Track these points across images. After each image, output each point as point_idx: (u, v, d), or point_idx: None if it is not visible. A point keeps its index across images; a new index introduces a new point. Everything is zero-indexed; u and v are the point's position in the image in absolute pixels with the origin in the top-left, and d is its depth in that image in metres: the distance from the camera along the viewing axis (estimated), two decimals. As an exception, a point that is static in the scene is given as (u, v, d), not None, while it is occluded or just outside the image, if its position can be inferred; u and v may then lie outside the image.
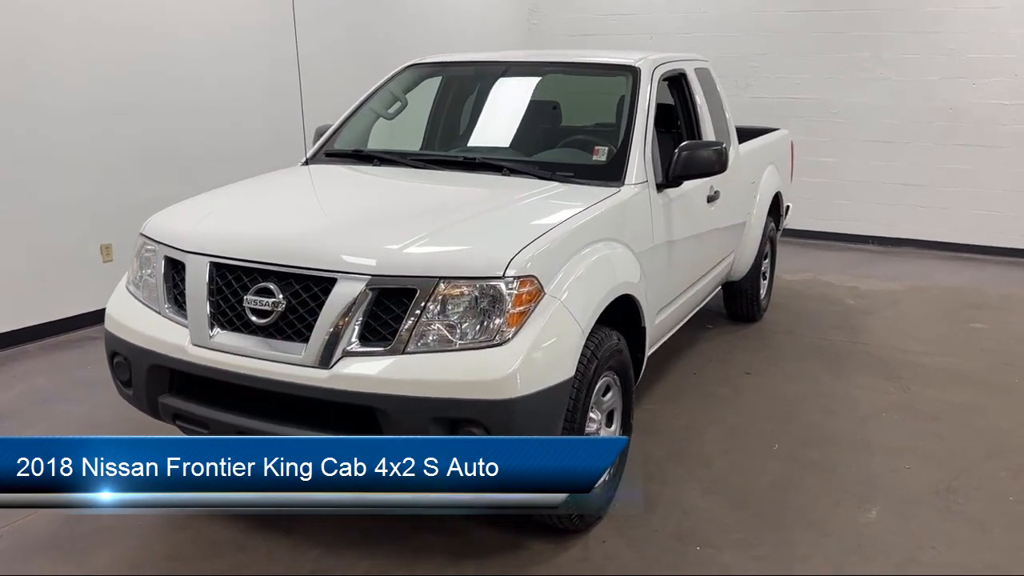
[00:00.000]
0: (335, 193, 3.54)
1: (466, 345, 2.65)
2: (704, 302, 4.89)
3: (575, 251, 2.95)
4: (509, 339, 2.64)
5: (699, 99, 4.49)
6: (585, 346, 2.95)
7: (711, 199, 4.40)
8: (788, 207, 6.77)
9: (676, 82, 4.45)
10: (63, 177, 5.24)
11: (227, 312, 2.87)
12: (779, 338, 5.62)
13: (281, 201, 3.41)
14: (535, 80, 4.34)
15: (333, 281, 2.72)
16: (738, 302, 5.83)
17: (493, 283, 2.67)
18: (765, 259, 6.05)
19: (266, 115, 6.36)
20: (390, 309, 2.69)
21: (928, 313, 6.24)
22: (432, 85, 4.52)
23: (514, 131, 4.19)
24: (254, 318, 2.80)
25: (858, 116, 8.51)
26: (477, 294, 2.67)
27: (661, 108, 4.44)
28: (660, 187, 3.73)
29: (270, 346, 2.77)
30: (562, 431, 2.85)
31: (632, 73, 3.99)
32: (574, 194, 3.35)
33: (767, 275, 6.14)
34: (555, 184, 3.49)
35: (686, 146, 3.69)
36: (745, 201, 5.21)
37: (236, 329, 2.85)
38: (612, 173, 3.55)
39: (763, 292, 6.02)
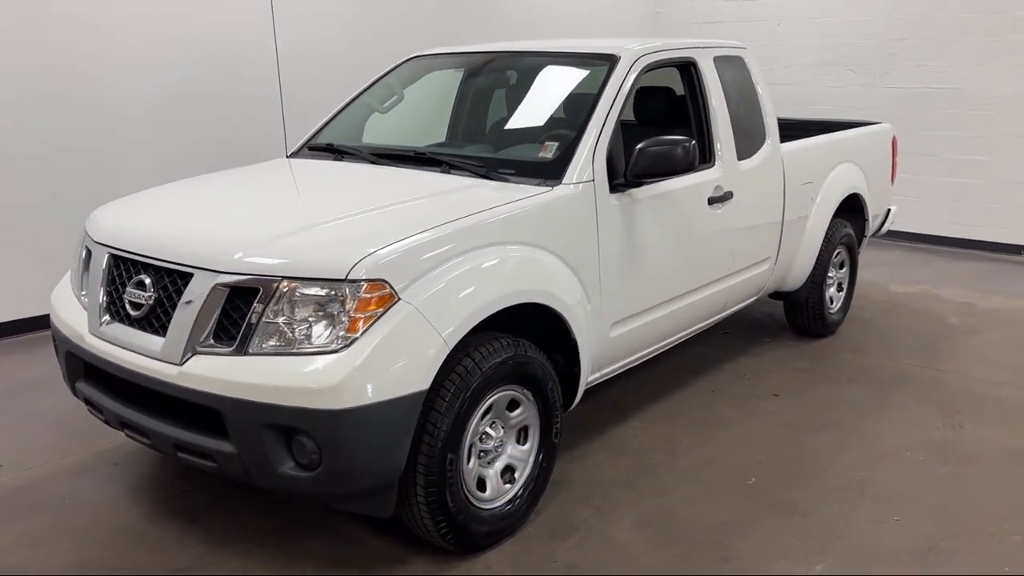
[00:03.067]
0: (261, 189, 3.51)
1: (304, 350, 2.54)
2: (723, 314, 4.45)
3: (453, 255, 2.75)
4: (348, 346, 2.50)
5: (712, 91, 4.07)
6: (461, 357, 2.75)
7: (717, 200, 3.99)
8: (889, 211, 6.07)
9: (685, 72, 4.07)
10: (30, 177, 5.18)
11: (116, 303, 2.93)
12: (840, 358, 5.03)
13: (209, 197, 3.42)
14: (515, 71, 4.11)
15: (191, 277, 2.69)
16: (799, 316, 5.29)
17: (335, 285, 2.54)
18: (841, 269, 5.45)
19: (244, 109, 5.95)
20: (240, 308, 2.63)
21: (1044, 339, 5.37)
22: (437, 78, 4.40)
23: (483, 124, 3.99)
24: (131, 310, 2.84)
25: (1009, 108, 7.46)
26: (319, 297, 2.55)
27: (674, 101, 4.11)
28: (619, 187, 3.41)
29: (139, 339, 2.79)
30: (432, 447, 2.67)
31: (609, 62, 3.68)
32: (492, 193, 3.13)
33: (843, 286, 5.51)
34: (482, 182, 3.29)
35: (648, 143, 3.36)
36: (793, 204, 4.68)
37: (120, 320, 2.90)
38: (553, 171, 3.29)
39: (834, 305, 5.42)
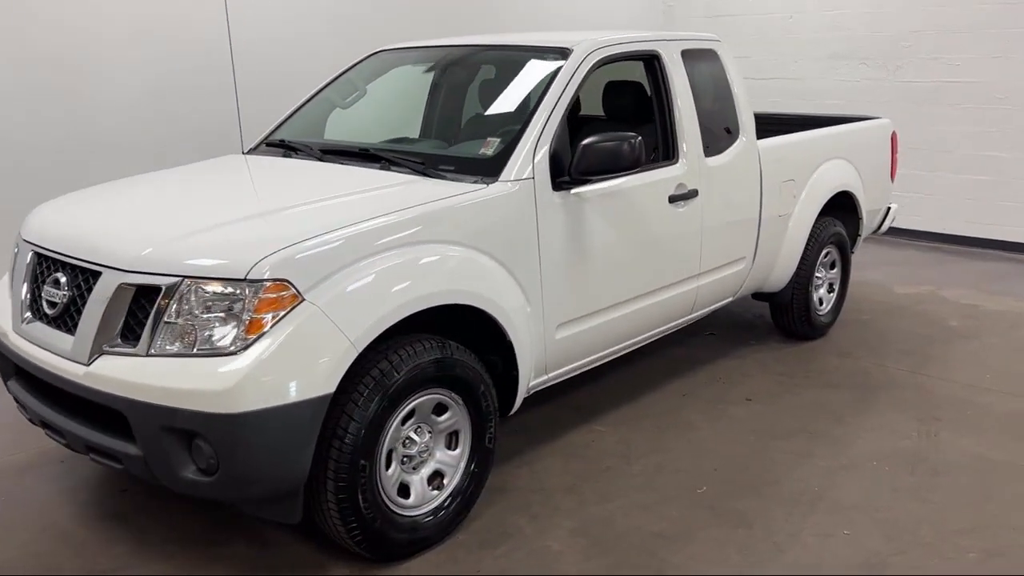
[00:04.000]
0: (194, 187, 3.44)
1: (203, 351, 2.48)
2: (694, 315, 4.32)
3: (367, 254, 2.67)
4: (246, 348, 2.44)
5: (676, 85, 3.94)
6: (378, 359, 2.68)
7: (679, 198, 3.86)
8: (889, 209, 5.86)
9: (649, 66, 3.95)
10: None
11: (37, 301, 2.90)
12: (824, 361, 4.86)
13: (140, 195, 3.37)
14: (472, 66, 4.02)
15: (100, 275, 2.65)
16: (784, 317, 5.12)
17: (236, 285, 2.49)
18: (832, 269, 5.27)
19: (196, 103, 5.56)
20: (146, 308, 2.58)
21: (1045, 344, 5.13)
22: (400, 73, 4.32)
23: (439, 120, 3.91)
24: (47, 309, 2.81)
25: (1030, 102, 7.17)
26: (220, 297, 2.49)
27: (643, 96, 3.99)
28: (564, 185, 3.31)
29: (54, 338, 2.77)
30: (342, 452, 2.60)
31: (562, 56, 3.57)
32: (422, 191, 3.04)
33: (834, 287, 5.33)
34: (417, 179, 3.20)
35: (592, 139, 3.24)
36: (772, 201, 4.52)
37: (40, 319, 2.87)
38: (491, 168, 3.20)
39: (824, 307, 5.24)
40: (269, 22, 5.81)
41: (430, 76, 4.18)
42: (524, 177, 3.18)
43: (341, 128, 4.14)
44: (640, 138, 3.28)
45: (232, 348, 2.45)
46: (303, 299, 2.51)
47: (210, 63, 5.58)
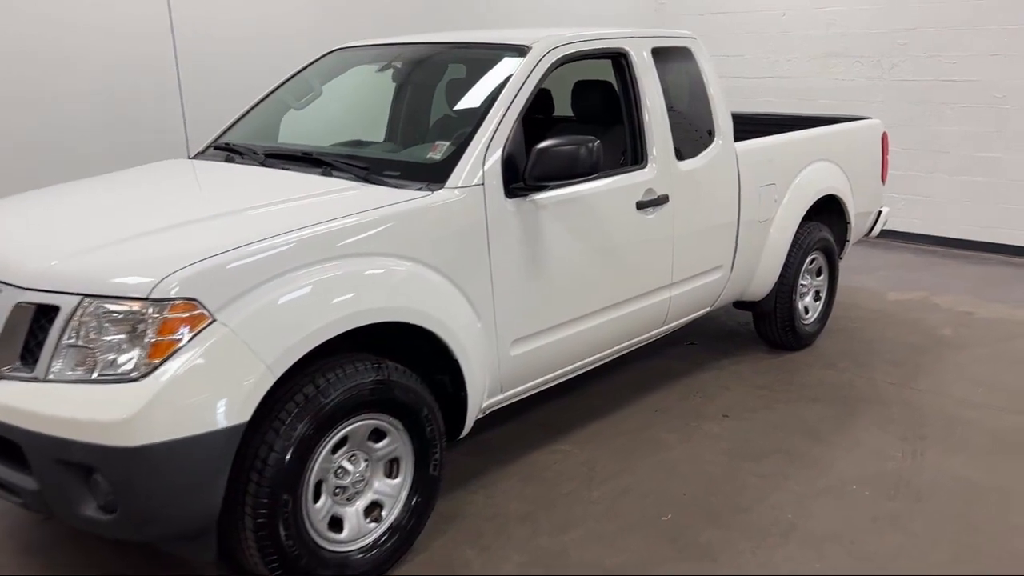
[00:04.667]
0: (120, 196, 3.19)
1: (104, 377, 2.27)
2: (667, 327, 4.09)
3: (289, 268, 2.45)
4: (148, 374, 2.23)
5: (645, 85, 3.72)
6: (302, 383, 2.46)
7: (648, 204, 3.64)
8: (880, 212, 5.63)
9: (617, 65, 3.72)
10: None
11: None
12: (808, 374, 4.63)
13: (63, 205, 3.13)
14: (429, 65, 3.80)
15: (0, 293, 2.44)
16: (768, 327, 4.89)
17: (137, 305, 2.27)
18: (818, 276, 5.04)
19: (141, 104, 5.09)
20: (46, 329, 2.37)
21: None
22: (358, 73, 4.10)
23: (393, 122, 3.69)
24: (-52, 329, 2.59)
25: (1029, 101, 6.92)
26: (121, 317, 2.28)
27: (613, 96, 3.77)
28: (518, 192, 3.09)
29: (-47, 360, 2.55)
30: (261, 486, 2.39)
31: (519, 54, 3.35)
32: (360, 199, 2.82)
33: (820, 295, 5.10)
34: (357, 186, 2.98)
35: (547, 142, 3.03)
36: (751, 206, 4.30)
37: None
38: (438, 174, 2.98)
39: (809, 316, 5.01)
40: (216, 21, 5.38)
41: (387, 75, 3.96)
42: (473, 183, 2.96)
43: (295, 130, 3.93)
44: (598, 142, 3.06)
45: (134, 374, 2.23)
46: (213, 319, 2.29)
47: (153, 61, 5.14)
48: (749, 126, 5.64)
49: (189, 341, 2.26)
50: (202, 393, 2.25)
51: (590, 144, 3.04)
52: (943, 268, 6.85)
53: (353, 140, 3.71)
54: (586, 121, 4.04)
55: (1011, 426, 3.93)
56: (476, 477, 3.49)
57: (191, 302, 2.27)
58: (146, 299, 2.26)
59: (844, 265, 6.69)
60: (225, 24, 5.40)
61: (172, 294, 2.26)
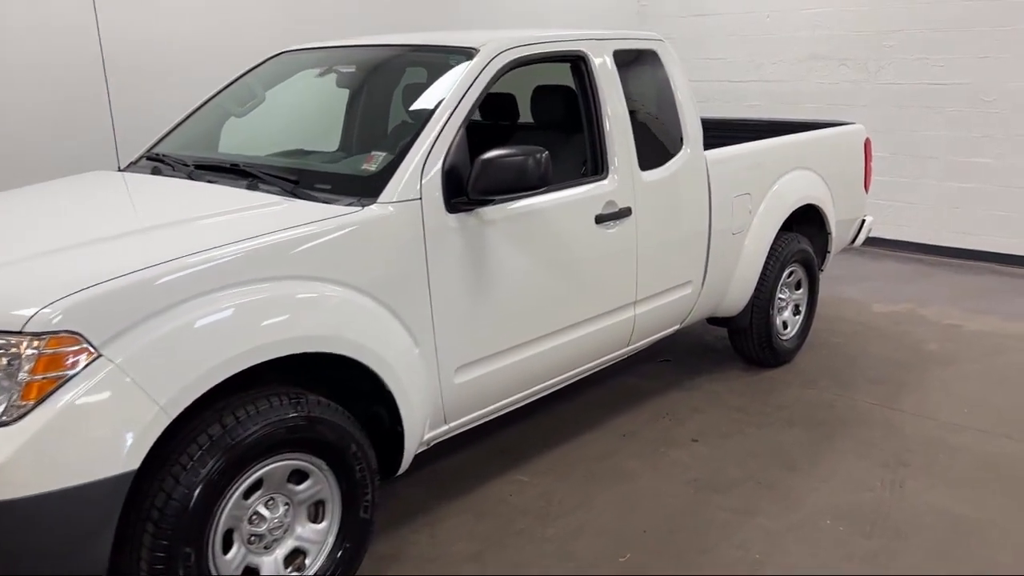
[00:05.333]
0: (21, 213, 2.94)
1: (-25, 421, 2.01)
2: (633, 347, 3.86)
3: (190, 296, 2.21)
4: (21, 417, 1.98)
5: (606, 91, 3.48)
6: (207, 423, 2.22)
7: (608, 218, 3.40)
8: (864, 221, 5.40)
9: (576, 69, 3.49)
10: None
11: None
12: (785, 393, 4.39)
13: None
14: (374, 68, 3.57)
15: None
16: (744, 344, 4.66)
17: (11, 339, 2.02)
18: (797, 289, 4.81)
19: (67, 111, 4.69)
20: (-83, 366, 2.11)
21: (1030, 371, 4.66)
22: (304, 77, 3.86)
23: (340, 130, 3.45)
24: None
25: (1018, 106, 6.70)
26: (-7, 354, 2.03)
27: (573, 103, 3.53)
28: (461, 206, 2.85)
29: None
30: (158, 540, 2.14)
31: (466, 57, 3.12)
32: (280, 216, 2.57)
33: (800, 309, 4.86)
34: (282, 201, 2.74)
35: (491, 154, 2.79)
36: (723, 218, 4.07)
37: None
38: (371, 188, 2.74)
39: (788, 331, 4.78)
40: (145, 24, 4.97)
41: (331, 80, 3.72)
42: (409, 198, 2.72)
43: (236, 139, 3.69)
44: (546, 153, 2.82)
45: (4, 417, 1.99)
46: (98, 355, 2.05)
47: (79, 67, 4.73)
48: (728, 132, 5.43)
49: (70, 380, 2.01)
50: (84, 438, 2.00)
51: (538, 155, 2.80)
52: (931, 278, 6.62)
53: (295, 150, 3.46)
54: (547, 128, 3.81)
55: (997, 452, 3.70)
56: (423, 512, 3.25)
57: (73, 335, 2.03)
58: (20, 332, 2.01)
59: (829, 275, 6.48)
60: (154, 28, 5.02)
61: (51, 327, 2.02)
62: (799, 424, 4.02)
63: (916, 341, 5.16)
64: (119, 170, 3.56)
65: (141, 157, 3.61)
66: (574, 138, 3.57)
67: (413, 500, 3.32)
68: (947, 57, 7.00)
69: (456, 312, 2.86)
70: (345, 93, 3.73)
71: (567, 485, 3.45)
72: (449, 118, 2.88)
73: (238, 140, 3.68)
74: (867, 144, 5.23)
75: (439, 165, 2.80)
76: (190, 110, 3.78)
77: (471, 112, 2.96)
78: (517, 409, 3.47)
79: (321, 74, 3.65)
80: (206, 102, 3.79)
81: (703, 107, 8.50)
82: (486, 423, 3.32)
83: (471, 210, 2.88)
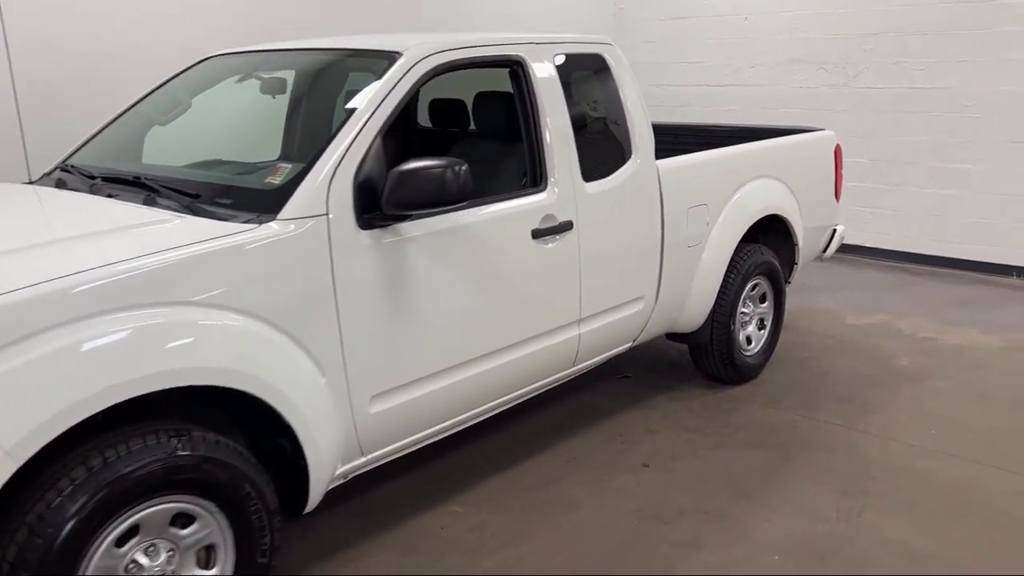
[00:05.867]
0: None
1: None
2: (580, 366, 3.66)
3: (47, 326, 2.01)
4: None
5: (545, 97, 3.29)
6: (69, 466, 2.03)
7: (546, 233, 3.21)
8: (835, 230, 5.21)
9: (514, 75, 3.29)
10: None
11: None
12: (746, 413, 4.19)
13: None
14: (296, 74, 3.37)
15: None
16: (705, 360, 4.46)
17: None
18: (762, 303, 4.61)
19: None
20: None
21: (1009, 390, 4.45)
22: (231, 83, 3.66)
23: (247, 139, 3.26)
24: None
25: (999, 110, 6.52)
26: None
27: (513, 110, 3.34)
28: (376, 222, 2.65)
29: None
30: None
31: (389, 62, 2.92)
32: (167, 234, 2.37)
33: (765, 323, 4.67)
34: (172, 217, 2.54)
35: (407, 165, 2.59)
36: (677, 230, 3.87)
37: None
38: (272, 203, 2.54)
39: (753, 346, 4.58)
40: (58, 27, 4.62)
41: (255, 86, 3.52)
42: (314, 214, 2.52)
43: (160, 148, 3.48)
44: (466, 165, 2.63)
45: None
46: None
47: None
48: (694, 139, 5.25)
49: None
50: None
51: (457, 167, 2.60)
52: (911, 288, 6.43)
53: (212, 160, 3.26)
54: (489, 137, 3.61)
55: (964, 478, 3.50)
56: (344, 548, 3.04)
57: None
58: None
59: (804, 285, 6.31)
60: (67, 34, 4.68)
61: None
62: (757, 446, 3.82)
63: (888, 356, 4.96)
64: (29, 182, 3.36)
65: (55, 168, 3.41)
66: (516, 148, 3.37)
67: (338, 533, 3.12)
68: (926, 61, 6.83)
69: (370, 337, 2.65)
70: (270, 99, 3.52)
71: (504, 516, 3.25)
72: (363, 126, 2.68)
73: (161, 150, 3.48)
74: (837, 151, 5.04)
75: (350, 177, 2.60)
76: (109, 119, 3.58)
77: (390, 120, 2.76)
78: (459, 432, 3.28)
79: (242, 79, 3.45)
80: (127, 110, 3.59)
81: (681, 112, 8.43)
82: (425, 447, 3.12)
83: (387, 226, 2.68)
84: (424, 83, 2.94)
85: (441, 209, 2.70)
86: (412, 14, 6.81)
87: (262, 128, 3.51)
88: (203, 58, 3.69)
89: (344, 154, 2.60)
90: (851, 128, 7.28)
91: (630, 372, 4.72)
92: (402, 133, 4.02)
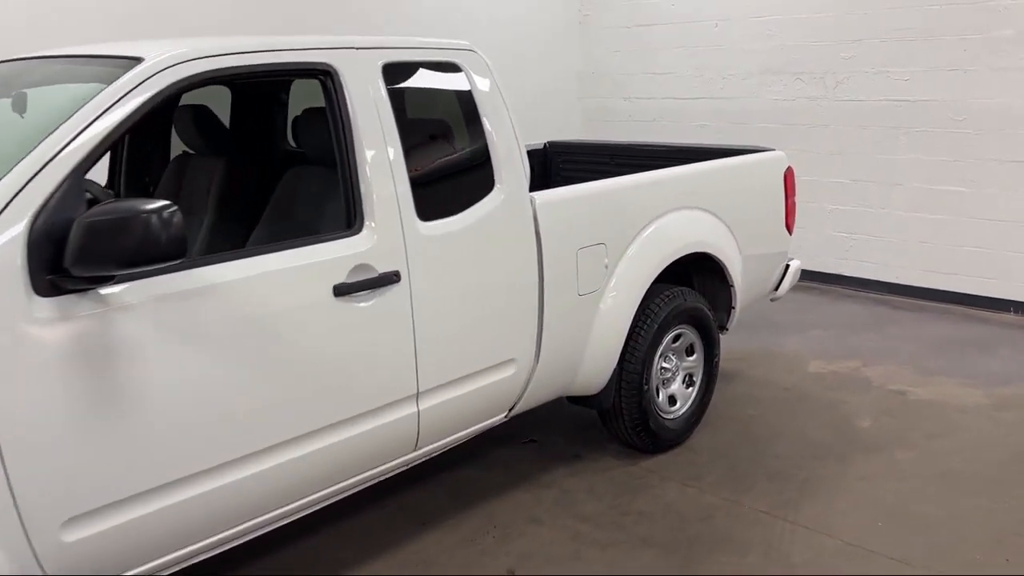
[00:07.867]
0: None
1: None
2: (425, 449, 2.95)
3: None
4: None
5: (363, 117, 2.60)
6: None
7: (357, 288, 2.51)
8: (788, 266, 4.47)
9: (324, 88, 2.60)
10: None
11: None
12: (660, 494, 3.47)
13: None
14: (25, 86, 2.69)
15: None
16: (615, 426, 3.73)
17: None
18: (689, 356, 3.86)
19: None
20: None
21: (979, 463, 3.68)
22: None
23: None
24: None
25: (993, 126, 5.74)
26: None
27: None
28: (63, 287, 1.97)
29: None
30: None
31: (122, 71, 2.24)
32: None
33: (694, 379, 3.92)
34: None
35: (92, 213, 1.91)
36: (562, 276, 3.17)
37: None
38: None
39: (679, 407, 3.85)
40: None
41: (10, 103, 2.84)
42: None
43: None
44: (175, 209, 1.93)
45: None
46: None
47: None
48: (632, 159, 4.59)
49: None
50: None
51: (165, 212, 1.92)
52: (890, 326, 5.66)
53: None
54: (315, 163, 2.92)
55: (903, 598, 2.75)
56: None
57: None
58: None
59: (767, 322, 5.56)
60: None
61: None
62: (657, 545, 3.09)
63: (848, 415, 4.21)
64: None
65: None
66: (333, 180, 2.68)
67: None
68: (912, 70, 6.08)
69: (57, 444, 1.96)
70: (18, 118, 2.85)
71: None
72: (54, 157, 2.00)
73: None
74: (788, 175, 4.30)
75: (22, 227, 1.91)
76: None
77: (103, 147, 2.08)
78: (279, 528, 2.59)
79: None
80: None
81: (648, 128, 7.68)
82: (250, 541, 2.44)
83: (85, 291, 1.99)
84: (173, 97, 2.27)
85: (153, 267, 2.00)
86: (361, 21, 6.29)
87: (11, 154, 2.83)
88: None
89: (13, 197, 1.92)
90: (831, 144, 6.55)
91: (536, 436, 4.00)
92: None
